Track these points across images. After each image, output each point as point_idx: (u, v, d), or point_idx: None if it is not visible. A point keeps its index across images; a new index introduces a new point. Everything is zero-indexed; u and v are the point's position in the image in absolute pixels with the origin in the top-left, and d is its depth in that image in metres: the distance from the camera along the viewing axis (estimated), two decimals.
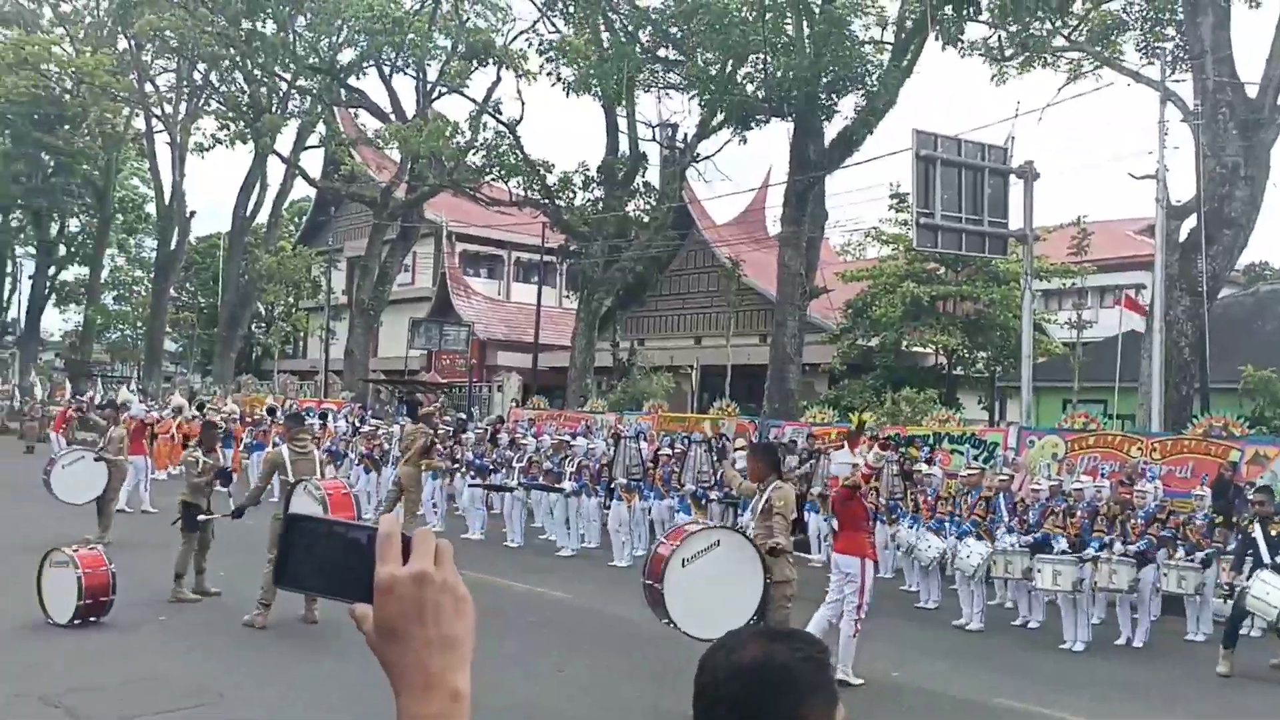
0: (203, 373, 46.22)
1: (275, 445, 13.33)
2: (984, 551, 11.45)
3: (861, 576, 8.68)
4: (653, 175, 30.28)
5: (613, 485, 16.08)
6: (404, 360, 38.48)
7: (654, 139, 28.78)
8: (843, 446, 12.29)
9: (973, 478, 12.75)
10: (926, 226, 17.62)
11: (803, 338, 24.32)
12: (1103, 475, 14.25)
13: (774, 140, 58.54)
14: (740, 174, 63.29)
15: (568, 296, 38.11)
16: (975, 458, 16.85)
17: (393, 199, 36.41)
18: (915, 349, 29.35)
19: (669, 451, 17.61)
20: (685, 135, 28.36)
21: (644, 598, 7.68)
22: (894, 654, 9.95)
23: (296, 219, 51.30)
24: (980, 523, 11.87)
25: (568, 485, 16.54)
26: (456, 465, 18.46)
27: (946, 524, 12.45)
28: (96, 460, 14.98)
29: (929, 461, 15.45)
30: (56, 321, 63.37)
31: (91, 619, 9.68)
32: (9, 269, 55.92)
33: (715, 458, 16.60)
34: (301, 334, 49.39)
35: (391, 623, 1.03)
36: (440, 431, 15.11)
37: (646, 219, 30.23)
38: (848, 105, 23.74)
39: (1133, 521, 11.03)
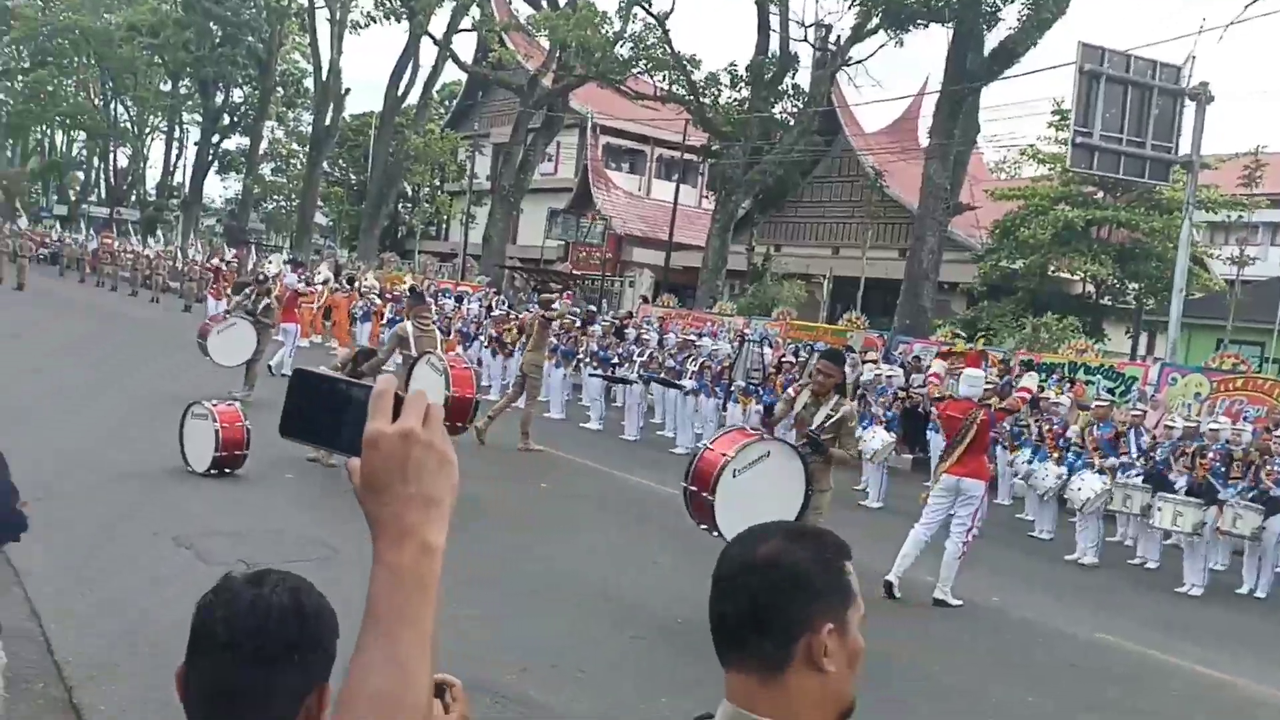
0: (349, 247, 47.73)
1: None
2: (1098, 486, 11.11)
3: (982, 500, 8.65)
4: (802, 78, 29.52)
5: (732, 387, 16.10)
6: (540, 250, 38.93)
7: (806, 39, 27.91)
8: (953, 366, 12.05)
9: (1101, 410, 12.31)
10: (1083, 146, 16.73)
11: (941, 254, 23.61)
12: (1246, 420, 13.58)
13: (930, 47, 56.04)
14: (893, 83, 61.07)
15: (707, 197, 37.72)
16: (1110, 391, 16.27)
17: (539, 87, 36.42)
18: (1062, 275, 28.18)
19: (792, 359, 17.56)
20: (839, 37, 27.42)
21: (685, 503, 7.55)
22: (998, 581, 9.81)
23: (446, 102, 51.88)
24: (1101, 457, 11.49)
25: (687, 383, 16.65)
26: (580, 355, 18.75)
27: (1069, 454, 12.10)
28: (252, 325, 15.80)
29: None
30: (217, 188, 66.25)
31: (226, 470, 10.29)
32: (176, 134, 58.47)
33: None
34: (444, 216, 50.39)
35: (375, 476, 1.06)
36: (554, 316, 15.27)
37: (792, 122, 29.53)
38: (1012, 13, 22.52)
39: (1269, 468, 10.49)
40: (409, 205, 51.32)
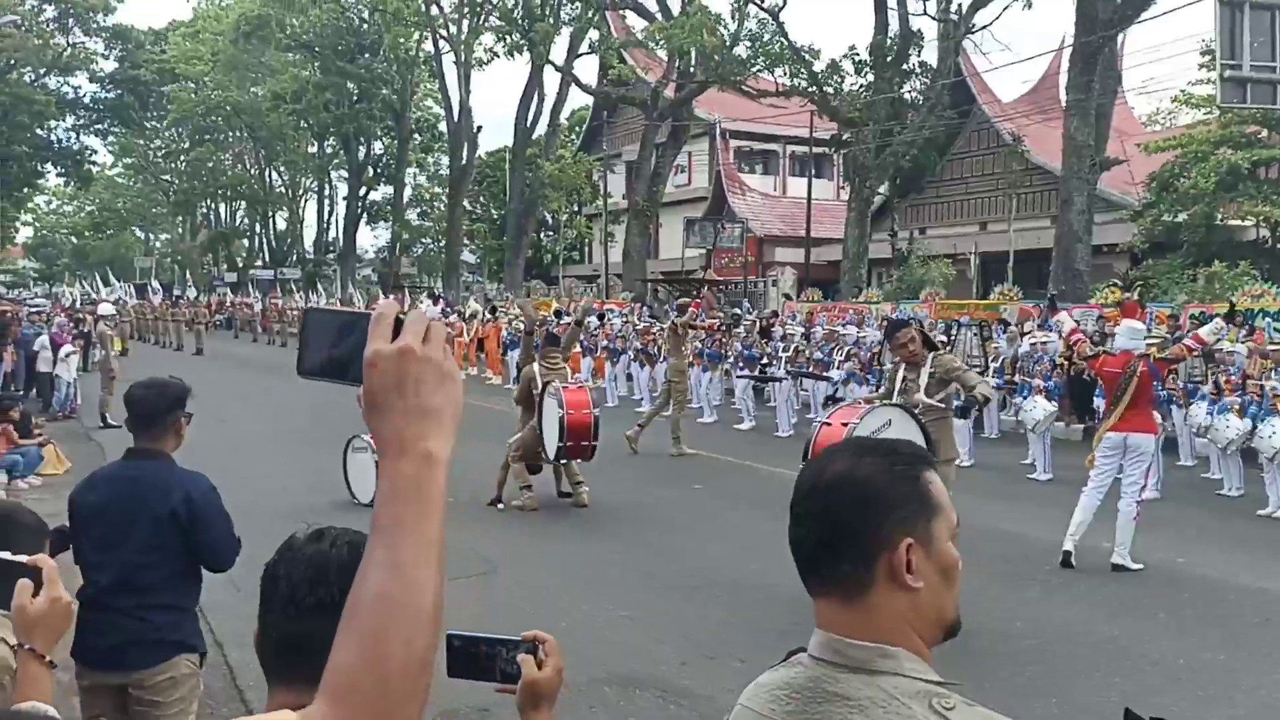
0: (496, 280, 48.95)
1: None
2: None
3: (1154, 456, 8.17)
4: (927, 53, 28.77)
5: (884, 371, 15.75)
6: (681, 260, 39.06)
7: (925, 13, 27.16)
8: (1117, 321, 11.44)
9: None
10: (1233, 80, 15.68)
11: (1092, 214, 22.56)
12: None
13: (1058, 5, 53.83)
14: (1024, 47, 58.81)
15: (844, 188, 37.16)
16: None
17: (662, 99, 36.63)
18: (1231, 223, 26.49)
19: (944, 339, 17.07)
20: (960, 5, 26.60)
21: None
22: (1182, 542, 9.28)
23: (576, 128, 52.73)
24: None
25: (835, 374, 16.39)
26: (728, 358, 18.71)
27: (1250, 404, 11.34)
28: None
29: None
30: (369, 239, 69.03)
31: None
32: (326, 193, 61.30)
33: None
34: (584, 240, 51.15)
35: (374, 394, 1.07)
36: (685, 321, 15.28)
37: (921, 100, 28.81)
38: None
39: None
40: (550, 233, 52.33)
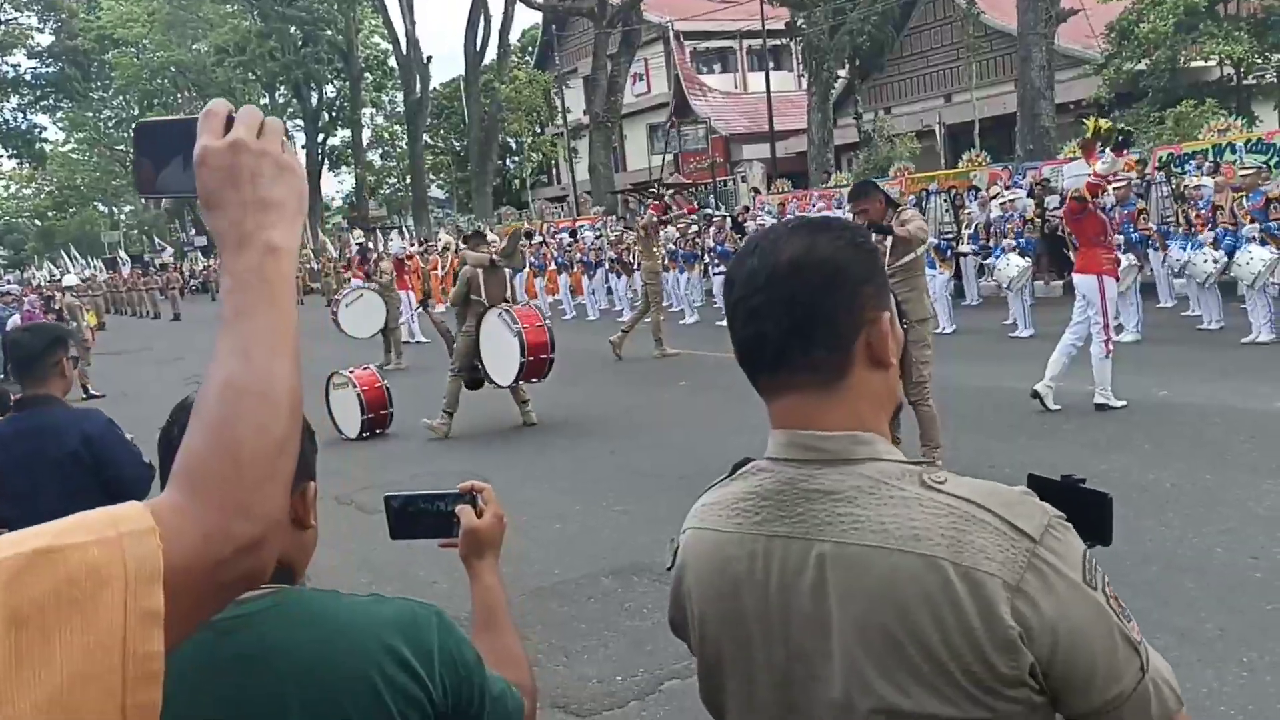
0: (466, 212, 48.51)
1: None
2: (1268, 256, 10.35)
3: (1101, 293, 8.08)
4: None
5: None
6: (649, 170, 38.66)
7: None
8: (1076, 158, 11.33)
9: (1249, 179, 11.43)
10: None
11: (1053, 71, 22.25)
12: None
13: None
14: None
15: (804, 77, 36.60)
16: (1267, 164, 15.12)
17: (609, 7, 35.86)
18: (1195, 64, 26.18)
19: (920, 211, 16.98)
20: None
21: None
22: (1165, 376, 9.32)
23: (529, 49, 51.77)
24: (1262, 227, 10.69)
25: None
26: (704, 258, 18.65)
27: (1224, 235, 11.32)
28: (378, 292, 16.28)
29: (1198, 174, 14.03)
30: (333, 185, 68.19)
31: (376, 431, 10.64)
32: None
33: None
34: (550, 160, 50.54)
35: (209, 193, 1.01)
36: (643, 223, 15.23)
37: None
38: None
39: None
40: (514, 158, 51.68)
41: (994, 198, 16.80)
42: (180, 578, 0.87)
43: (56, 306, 22.02)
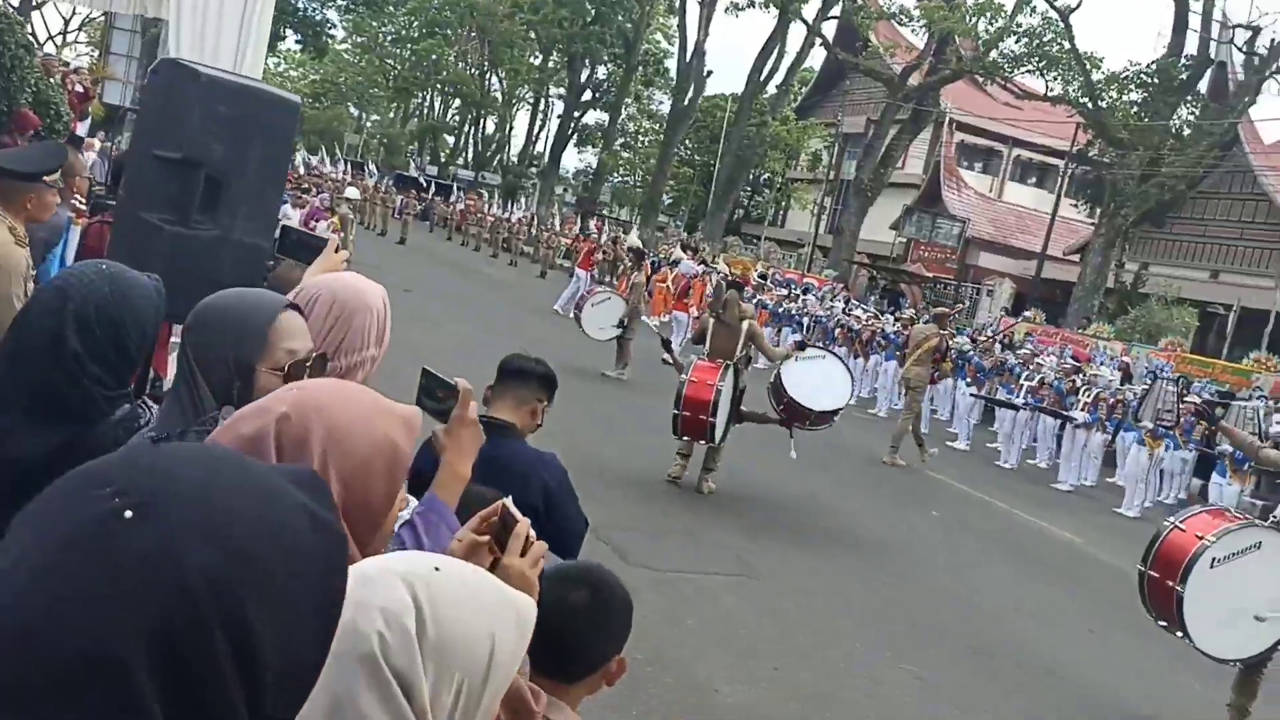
0: (691, 229, 48.41)
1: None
2: None
3: None
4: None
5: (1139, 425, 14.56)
6: (890, 246, 37.69)
7: (1231, 40, 24.95)
8: None
9: None
10: None
11: None
12: None
13: None
14: None
15: (1075, 205, 34.96)
16: None
17: (908, 83, 35.06)
18: None
19: (1195, 399, 15.67)
20: (1273, 40, 24.34)
21: (1140, 589, 6.28)
22: None
23: (798, 88, 51.42)
24: None
25: (1079, 415, 15.22)
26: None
27: None
28: (625, 302, 16.06)
29: None
30: (572, 160, 69.36)
31: None
32: (541, 107, 61.63)
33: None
34: (785, 204, 50.02)
35: None
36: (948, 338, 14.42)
37: (1187, 131, 26.67)
38: None
39: None
40: (748, 190, 51.33)
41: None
42: None
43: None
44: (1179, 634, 6.02)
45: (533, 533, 1.55)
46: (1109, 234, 26.14)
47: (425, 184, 49.36)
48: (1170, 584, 6.04)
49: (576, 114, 55.40)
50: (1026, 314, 23.55)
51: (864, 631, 6.95)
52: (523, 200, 48.88)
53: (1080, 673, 7.02)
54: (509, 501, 1.60)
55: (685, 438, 9.38)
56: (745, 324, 9.67)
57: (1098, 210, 30.15)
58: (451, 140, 71.90)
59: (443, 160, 67.75)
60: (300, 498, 0.81)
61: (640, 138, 59.52)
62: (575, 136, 57.44)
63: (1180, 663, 6.73)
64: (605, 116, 55.13)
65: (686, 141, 55.44)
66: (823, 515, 9.88)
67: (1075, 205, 33.97)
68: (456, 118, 70.77)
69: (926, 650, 6.84)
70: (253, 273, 3.35)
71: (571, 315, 17.41)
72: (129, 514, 0.73)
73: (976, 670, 6.70)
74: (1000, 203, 44.16)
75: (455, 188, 50.18)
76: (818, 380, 9.86)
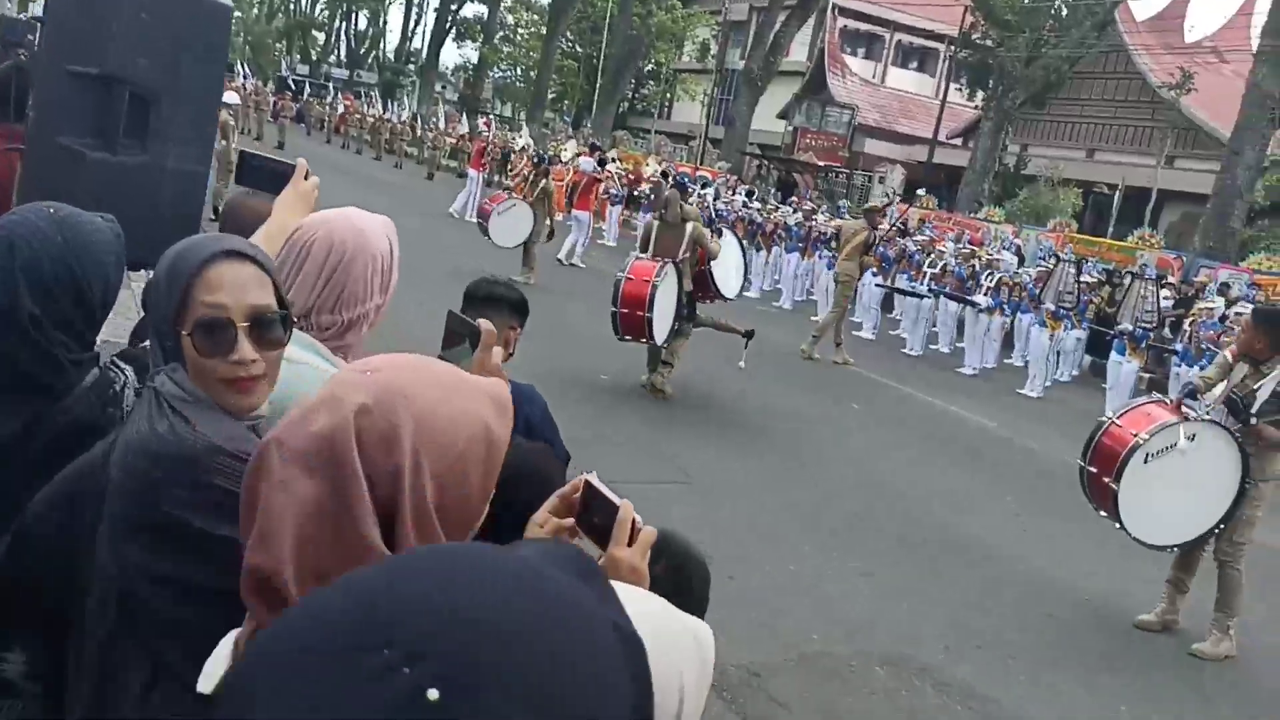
0: (574, 124, 47.46)
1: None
2: None
3: None
4: None
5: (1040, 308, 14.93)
6: (780, 136, 37.59)
7: None
8: None
9: None
10: None
11: (1260, 172, 21.19)
12: None
13: None
14: None
15: (959, 89, 35.21)
16: None
17: None
18: None
19: (1088, 279, 16.12)
20: None
21: (1081, 482, 6.47)
22: None
23: None
24: None
25: (981, 300, 15.51)
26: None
27: None
28: (530, 207, 15.65)
29: None
30: (451, 56, 66.99)
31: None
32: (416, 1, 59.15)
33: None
34: (671, 96, 49.30)
35: None
36: (882, 229, 14.45)
37: (1064, 12, 27.00)
38: None
39: None
40: (634, 82, 50.41)
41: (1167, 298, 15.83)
42: None
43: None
44: (1117, 525, 6.18)
45: (638, 517, 1.34)
46: (997, 118, 26.43)
47: (297, 84, 47.16)
48: (1106, 480, 6.18)
49: (454, 6, 53.38)
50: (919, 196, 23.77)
51: (808, 533, 6.98)
52: (403, 99, 47.20)
53: (1017, 557, 7.20)
54: (593, 477, 1.38)
55: (627, 338, 9.22)
56: (689, 225, 9.51)
57: (980, 94, 30.45)
58: (322, 38, 68.73)
59: (314, 59, 64.78)
60: (597, 605, 0.59)
61: (520, 30, 57.75)
62: (453, 30, 55.42)
63: (1112, 542, 6.93)
64: (484, 9, 53.24)
65: (569, 33, 53.98)
66: (747, 414, 9.89)
67: (959, 89, 34.27)
68: (326, 13, 67.55)
69: (868, 546, 6.92)
70: (192, 205, 3.00)
71: (474, 221, 16.90)
72: (434, 693, 0.50)
73: (918, 563, 6.80)
74: (884, 88, 44.23)
75: (331, 87, 48.06)
76: (731, 264, 10.08)
